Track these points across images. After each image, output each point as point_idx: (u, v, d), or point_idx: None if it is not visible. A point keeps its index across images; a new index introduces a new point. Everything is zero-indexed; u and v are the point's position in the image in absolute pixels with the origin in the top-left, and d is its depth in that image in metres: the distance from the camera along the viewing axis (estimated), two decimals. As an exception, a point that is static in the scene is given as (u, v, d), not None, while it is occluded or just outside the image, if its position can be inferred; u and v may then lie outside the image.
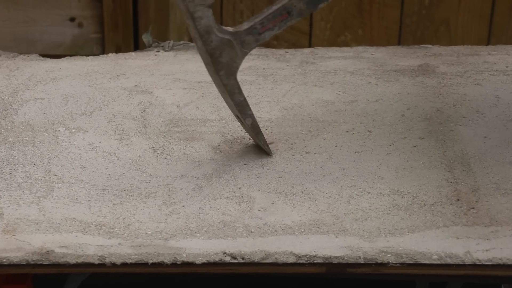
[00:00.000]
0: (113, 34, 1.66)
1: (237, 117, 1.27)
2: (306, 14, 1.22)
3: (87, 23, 1.63)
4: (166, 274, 1.09)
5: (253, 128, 1.26)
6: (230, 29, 1.21)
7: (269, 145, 1.27)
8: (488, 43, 1.62)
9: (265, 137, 1.28)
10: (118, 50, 1.62)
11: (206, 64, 1.23)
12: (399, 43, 1.62)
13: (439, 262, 1.07)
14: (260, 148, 1.29)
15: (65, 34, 1.63)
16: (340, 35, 1.61)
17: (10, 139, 1.31)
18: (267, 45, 1.61)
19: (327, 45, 1.61)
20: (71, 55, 1.56)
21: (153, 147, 1.30)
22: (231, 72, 1.22)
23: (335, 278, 1.13)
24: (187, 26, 1.19)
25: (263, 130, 1.31)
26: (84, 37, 1.64)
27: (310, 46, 1.60)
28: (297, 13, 1.22)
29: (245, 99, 1.24)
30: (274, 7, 1.22)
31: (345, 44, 1.61)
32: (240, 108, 1.24)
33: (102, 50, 1.67)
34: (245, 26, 1.22)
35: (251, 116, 1.25)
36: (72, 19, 1.63)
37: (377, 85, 1.46)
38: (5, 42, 1.63)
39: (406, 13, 1.60)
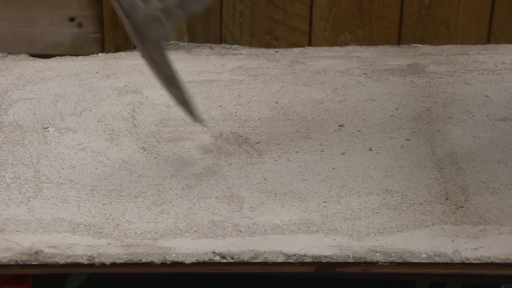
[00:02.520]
0: (113, 34, 1.66)
1: (167, 89, 1.25)
2: None
3: (87, 23, 1.63)
4: (156, 274, 1.09)
5: (180, 100, 1.24)
6: (159, 5, 1.19)
7: (198, 113, 1.25)
8: (488, 43, 1.63)
9: (255, 136, 1.28)
10: (117, 50, 1.62)
11: (135, 41, 1.21)
12: (399, 43, 1.63)
13: (428, 261, 1.07)
14: (251, 148, 1.29)
15: (64, 34, 1.63)
16: (340, 35, 1.62)
17: (-1, 139, 1.31)
18: (267, 44, 1.61)
19: (327, 45, 1.61)
20: (71, 55, 1.56)
21: (143, 147, 1.30)
22: (159, 43, 1.20)
23: (335, 279, 1.13)
24: (113, 8, 1.18)
25: (252, 130, 1.31)
26: (84, 37, 1.64)
27: (310, 46, 1.60)
28: None
29: (174, 71, 1.22)
30: None
31: (345, 44, 1.61)
32: (168, 80, 1.23)
33: (102, 50, 1.67)
34: (174, 1, 1.20)
35: (178, 87, 1.23)
36: (72, 19, 1.63)
37: (366, 84, 1.46)
38: (5, 42, 1.63)
39: (406, 13, 1.61)
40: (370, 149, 1.28)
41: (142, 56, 1.23)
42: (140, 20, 1.18)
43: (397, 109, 1.39)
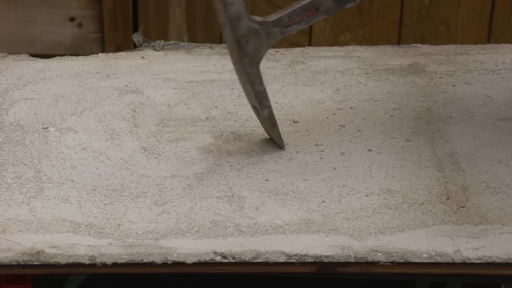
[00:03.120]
0: (113, 34, 1.66)
1: (254, 107, 1.27)
2: (333, 12, 1.22)
3: (87, 23, 1.63)
4: (157, 274, 1.09)
5: (270, 119, 1.26)
6: (258, 18, 1.21)
7: (282, 139, 1.27)
8: (488, 43, 1.63)
9: (255, 136, 1.28)
10: (118, 50, 1.62)
11: (231, 51, 1.22)
12: (399, 43, 1.63)
13: (429, 261, 1.07)
14: (250, 147, 1.29)
15: (65, 34, 1.63)
16: (340, 35, 1.62)
17: (0, 139, 1.31)
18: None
19: (327, 44, 1.62)
20: (71, 55, 1.56)
21: (144, 147, 1.30)
22: (255, 61, 1.22)
23: (336, 280, 1.13)
24: (217, 11, 1.18)
25: (254, 129, 1.32)
26: (84, 37, 1.64)
27: (310, 46, 1.60)
28: (324, 11, 1.22)
29: (265, 90, 1.24)
30: (303, 2, 1.22)
31: (345, 44, 1.62)
32: (259, 98, 1.24)
33: (102, 50, 1.67)
34: (273, 17, 1.22)
35: (269, 107, 1.25)
36: (72, 19, 1.63)
37: (367, 84, 1.46)
38: (5, 42, 1.63)
39: (406, 13, 1.61)
40: (370, 149, 1.28)
41: (237, 73, 1.24)
42: (243, 32, 1.19)
43: (398, 109, 1.39)
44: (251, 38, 1.20)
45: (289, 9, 1.23)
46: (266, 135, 1.32)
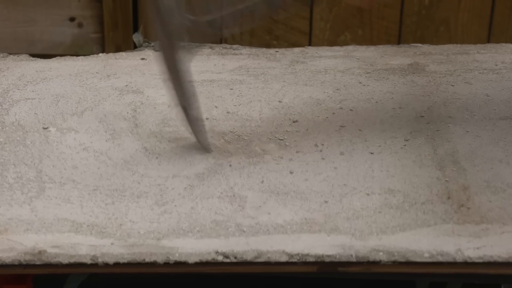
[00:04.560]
0: (113, 34, 1.66)
1: (183, 107, 1.24)
2: (267, 17, 1.21)
3: (87, 23, 1.63)
4: (159, 274, 1.09)
5: (198, 121, 1.24)
6: (191, 16, 1.19)
7: (209, 143, 1.26)
8: (488, 43, 1.63)
9: (256, 136, 1.28)
10: (118, 50, 1.62)
11: (162, 48, 1.19)
12: (399, 43, 1.63)
13: (430, 260, 1.07)
14: (251, 148, 1.29)
15: (65, 34, 1.63)
16: (340, 35, 1.62)
17: (0, 139, 1.31)
18: (267, 44, 1.61)
19: (327, 45, 1.62)
20: (71, 55, 1.56)
21: (145, 147, 1.30)
22: (187, 59, 1.20)
23: (336, 280, 1.13)
24: (148, 5, 1.17)
25: (254, 129, 1.32)
26: (84, 37, 1.64)
27: (310, 46, 1.61)
28: (259, 15, 1.21)
29: (194, 90, 1.22)
30: (238, 7, 1.20)
31: (345, 44, 1.62)
32: (189, 98, 1.22)
33: (102, 50, 1.67)
34: (207, 17, 1.20)
35: (197, 109, 1.23)
36: (72, 19, 1.63)
37: (367, 84, 1.46)
38: (5, 42, 1.63)
39: (406, 13, 1.61)
40: (371, 149, 1.28)
41: (167, 70, 1.22)
42: (174, 27, 1.17)
43: (398, 108, 1.39)
44: (182, 35, 1.17)
45: (224, 11, 1.20)
46: (267, 135, 1.32)
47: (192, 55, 1.20)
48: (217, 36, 1.20)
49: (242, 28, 1.20)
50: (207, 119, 1.37)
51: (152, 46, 1.59)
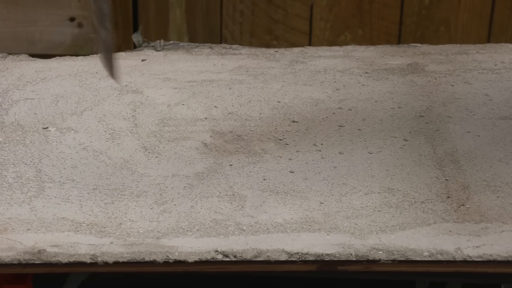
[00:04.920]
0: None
1: (95, 26, 1.18)
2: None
3: (87, 23, 1.63)
4: (158, 273, 1.09)
5: (105, 44, 1.17)
6: None
7: (115, 72, 1.18)
8: (488, 43, 1.63)
9: (255, 136, 1.28)
10: (118, 50, 1.62)
11: None
12: (399, 43, 1.63)
13: (430, 259, 1.07)
14: (251, 147, 1.29)
15: (65, 34, 1.63)
16: (340, 35, 1.62)
17: (0, 139, 1.31)
18: (267, 44, 1.61)
19: (327, 45, 1.62)
20: (71, 55, 1.56)
21: (144, 147, 1.30)
22: None
23: (336, 280, 1.13)
24: None
25: (254, 128, 1.32)
26: (84, 37, 1.64)
27: (310, 46, 1.61)
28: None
29: (110, 12, 1.16)
30: None
31: (345, 44, 1.62)
32: (101, 17, 1.15)
33: (102, 50, 1.66)
34: None
35: (108, 30, 1.16)
36: (72, 19, 1.63)
37: (366, 84, 1.46)
38: (5, 42, 1.63)
39: (406, 13, 1.61)
40: (370, 149, 1.29)
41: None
42: None
43: (397, 108, 1.39)
44: None
45: None
46: (266, 135, 1.32)
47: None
48: None
49: None
50: (206, 118, 1.37)
51: (152, 46, 1.59)
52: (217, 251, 1.08)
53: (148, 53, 1.57)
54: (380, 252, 1.08)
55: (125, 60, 1.54)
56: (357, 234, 1.11)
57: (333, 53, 1.56)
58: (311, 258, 1.08)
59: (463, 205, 1.16)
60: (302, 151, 1.28)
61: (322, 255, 1.08)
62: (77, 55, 1.57)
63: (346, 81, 1.47)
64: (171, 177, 1.22)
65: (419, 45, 1.58)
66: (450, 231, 1.11)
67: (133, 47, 1.66)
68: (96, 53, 1.58)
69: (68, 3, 1.62)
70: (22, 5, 1.62)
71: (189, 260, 1.07)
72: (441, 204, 1.16)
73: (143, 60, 1.53)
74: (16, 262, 1.07)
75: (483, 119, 1.35)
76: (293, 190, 1.19)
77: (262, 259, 1.08)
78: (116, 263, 1.07)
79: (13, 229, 1.12)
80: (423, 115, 1.37)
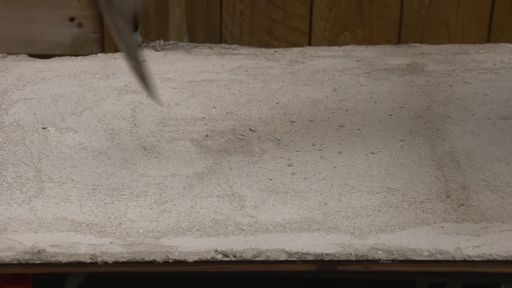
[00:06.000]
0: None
1: (125, 58, 1.23)
2: None
3: (87, 23, 1.63)
4: (158, 273, 1.09)
5: (138, 72, 1.22)
6: None
7: (155, 91, 1.24)
8: (488, 43, 1.63)
9: (255, 135, 1.28)
10: (117, 50, 1.62)
11: (102, 8, 1.19)
12: (399, 43, 1.63)
13: (430, 259, 1.07)
14: (250, 147, 1.29)
15: (64, 34, 1.63)
16: (340, 35, 1.62)
17: (0, 139, 1.31)
18: (267, 44, 1.61)
19: (327, 45, 1.62)
20: (71, 55, 1.56)
21: (144, 147, 1.30)
22: (125, 15, 1.18)
23: (336, 280, 1.13)
24: None
25: (253, 128, 1.32)
26: (83, 37, 1.64)
27: (310, 46, 1.61)
28: None
29: (135, 44, 1.21)
30: None
31: (345, 44, 1.62)
32: (129, 51, 1.21)
33: (102, 50, 1.66)
34: None
35: (137, 60, 1.21)
36: (72, 19, 1.63)
37: (366, 84, 1.46)
38: (5, 42, 1.62)
39: (406, 13, 1.61)
40: (370, 148, 1.29)
41: (107, 24, 1.20)
42: None
43: (397, 108, 1.39)
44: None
45: None
46: (266, 135, 1.32)
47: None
48: None
49: None
50: (205, 118, 1.37)
51: (152, 46, 1.59)
52: (217, 251, 1.08)
53: (147, 53, 1.57)
54: (380, 252, 1.08)
55: (124, 60, 1.54)
56: (357, 234, 1.11)
57: (332, 53, 1.56)
58: (310, 258, 1.08)
59: (462, 204, 1.16)
60: (302, 151, 1.28)
61: (321, 255, 1.08)
62: (76, 55, 1.57)
63: (345, 81, 1.47)
64: (170, 177, 1.22)
65: (419, 45, 1.59)
66: (449, 231, 1.11)
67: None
68: (96, 53, 1.58)
69: (68, 3, 1.62)
70: (22, 5, 1.62)
71: (189, 260, 1.07)
72: (441, 204, 1.16)
73: (143, 61, 1.53)
74: (16, 262, 1.07)
75: (483, 119, 1.35)
76: (293, 190, 1.19)
77: (262, 259, 1.08)
78: (116, 263, 1.07)
79: (13, 229, 1.12)
80: (422, 115, 1.37)
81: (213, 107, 1.40)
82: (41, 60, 1.54)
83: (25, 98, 1.42)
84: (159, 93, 1.43)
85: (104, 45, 1.65)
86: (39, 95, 1.43)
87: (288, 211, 1.15)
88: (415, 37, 1.62)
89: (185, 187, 1.20)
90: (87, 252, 1.08)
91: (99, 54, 1.58)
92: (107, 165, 1.25)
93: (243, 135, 1.33)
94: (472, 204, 1.16)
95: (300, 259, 1.08)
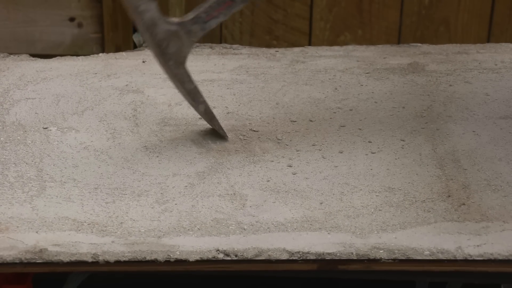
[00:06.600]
0: (113, 34, 1.67)
1: (191, 104, 1.29)
2: (249, 1, 1.24)
3: (87, 23, 1.64)
4: (160, 272, 1.09)
5: (206, 114, 1.29)
6: (176, 20, 1.23)
7: (224, 130, 1.30)
8: (488, 43, 1.64)
9: (256, 135, 1.29)
10: (117, 50, 1.62)
11: (156, 56, 1.25)
12: (399, 43, 1.63)
13: (431, 258, 1.08)
14: (251, 147, 1.29)
15: (64, 34, 1.63)
16: (340, 35, 1.62)
17: (1, 138, 1.31)
18: (267, 44, 1.62)
19: (327, 45, 1.62)
20: (71, 55, 1.56)
21: (145, 146, 1.30)
22: (180, 61, 1.24)
23: (337, 280, 1.13)
24: (133, 21, 1.21)
25: (254, 128, 1.32)
26: (83, 37, 1.64)
27: (310, 46, 1.61)
28: (240, 0, 1.24)
29: (196, 87, 1.27)
30: None
31: (345, 44, 1.62)
32: (193, 95, 1.27)
33: (102, 50, 1.67)
34: (190, 16, 1.24)
35: (204, 102, 1.28)
36: (72, 19, 1.63)
37: (367, 83, 1.47)
38: (5, 42, 1.63)
39: (406, 13, 1.61)
40: (371, 148, 1.29)
41: (166, 74, 1.26)
42: (162, 37, 1.20)
43: (398, 107, 1.39)
44: (171, 40, 1.22)
45: (205, 5, 1.24)
46: (267, 135, 1.32)
47: (188, 54, 1.24)
48: (205, 30, 1.22)
49: (226, 16, 1.22)
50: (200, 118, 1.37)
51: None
52: (218, 250, 1.08)
53: (148, 53, 1.57)
54: (381, 251, 1.08)
55: (125, 60, 1.55)
56: (358, 233, 1.11)
57: (333, 53, 1.56)
58: (312, 257, 1.08)
59: (463, 204, 1.16)
60: (303, 151, 1.29)
61: (323, 254, 1.08)
62: (77, 55, 1.57)
63: (346, 81, 1.47)
64: (172, 177, 1.23)
65: (420, 44, 1.59)
66: (450, 230, 1.11)
67: (134, 47, 1.66)
68: (96, 53, 1.59)
69: (68, 3, 1.62)
70: (22, 5, 1.62)
71: (190, 259, 1.07)
72: (442, 203, 1.16)
73: (143, 62, 1.53)
74: (17, 261, 1.07)
75: (484, 118, 1.35)
76: (294, 190, 1.20)
77: (263, 258, 1.08)
78: (117, 262, 1.07)
79: (14, 228, 1.12)
80: (423, 114, 1.37)
81: (214, 107, 1.40)
82: (42, 60, 1.55)
83: (26, 98, 1.42)
84: (161, 93, 1.44)
85: (104, 45, 1.66)
86: (40, 94, 1.43)
87: (289, 211, 1.15)
88: (415, 37, 1.63)
89: (186, 186, 1.20)
90: (89, 251, 1.08)
91: (100, 54, 1.58)
92: (108, 165, 1.25)
93: (244, 135, 1.33)
94: (473, 203, 1.16)
95: (301, 258, 1.08)
